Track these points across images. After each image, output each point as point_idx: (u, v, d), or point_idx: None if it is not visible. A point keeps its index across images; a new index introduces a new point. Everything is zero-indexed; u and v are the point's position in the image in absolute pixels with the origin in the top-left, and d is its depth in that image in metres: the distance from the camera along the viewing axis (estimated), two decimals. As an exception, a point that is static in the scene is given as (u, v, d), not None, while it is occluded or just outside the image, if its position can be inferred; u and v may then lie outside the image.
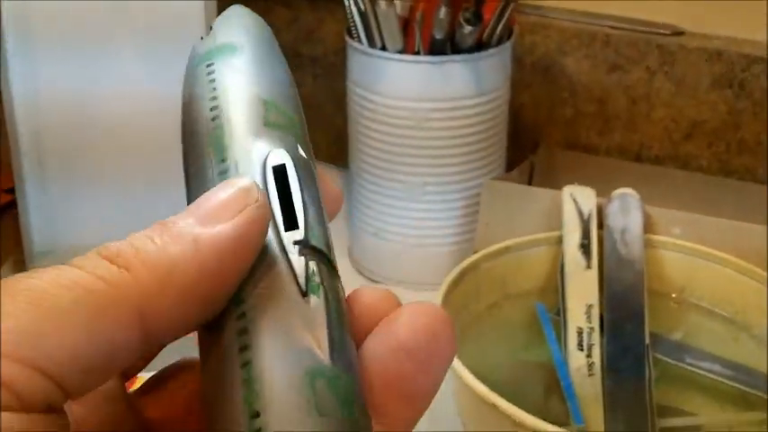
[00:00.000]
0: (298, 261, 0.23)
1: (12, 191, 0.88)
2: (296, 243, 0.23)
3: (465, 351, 0.63)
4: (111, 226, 0.78)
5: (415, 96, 0.84)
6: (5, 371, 0.18)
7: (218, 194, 0.22)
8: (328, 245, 0.24)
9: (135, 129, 0.79)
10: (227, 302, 0.22)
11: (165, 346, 0.23)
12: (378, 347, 0.23)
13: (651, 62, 0.97)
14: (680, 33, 0.97)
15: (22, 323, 0.19)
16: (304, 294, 0.22)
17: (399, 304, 0.25)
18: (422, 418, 0.24)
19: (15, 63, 0.79)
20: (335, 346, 0.22)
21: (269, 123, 0.25)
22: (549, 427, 0.55)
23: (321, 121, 1.09)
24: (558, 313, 0.74)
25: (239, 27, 0.29)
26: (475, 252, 0.77)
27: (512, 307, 0.77)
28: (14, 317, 0.19)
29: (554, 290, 0.76)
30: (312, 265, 0.23)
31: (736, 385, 0.70)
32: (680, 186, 0.97)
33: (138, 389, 0.27)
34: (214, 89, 0.26)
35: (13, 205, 0.88)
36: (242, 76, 0.27)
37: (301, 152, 0.25)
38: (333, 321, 0.22)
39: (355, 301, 0.24)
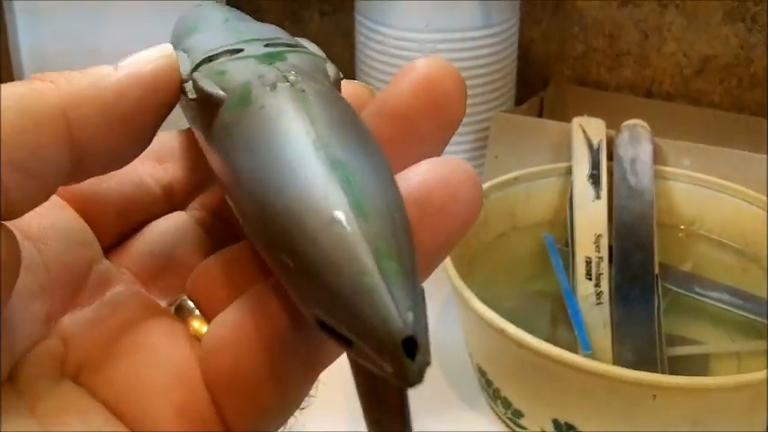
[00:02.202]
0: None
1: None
2: None
3: (473, 281, 0.63)
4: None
5: (423, 28, 0.83)
6: None
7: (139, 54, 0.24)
8: None
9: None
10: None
11: (98, 174, 0.24)
12: None
13: (663, -5, 0.96)
14: (692, -34, 0.95)
15: None
16: None
17: (373, 95, 0.25)
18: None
19: (23, 23, 0.78)
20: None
21: None
22: (555, 349, 0.54)
23: (330, 56, 1.07)
24: (567, 244, 0.74)
25: None
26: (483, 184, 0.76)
27: (520, 238, 0.77)
28: None
29: (563, 221, 0.76)
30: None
31: (745, 314, 0.69)
32: (691, 122, 0.96)
33: None
34: None
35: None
36: None
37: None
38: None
39: None
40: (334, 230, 0.19)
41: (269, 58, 0.24)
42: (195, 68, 0.24)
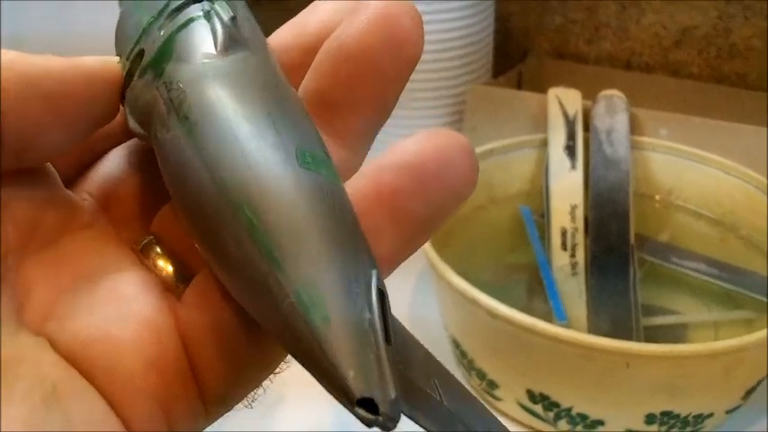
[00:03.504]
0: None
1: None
2: None
3: (450, 254, 0.62)
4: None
5: (399, -1, 0.82)
6: None
7: None
8: None
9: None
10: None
11: (24, 161, 0.22)
12: (380, 159, 0.22)
13: (641, -34, 0.95)
14: (670, -65, 0.95)
15: None
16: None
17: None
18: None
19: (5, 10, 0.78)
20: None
21: None
22: (527, 318, 0.54)
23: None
24: (543, 216, 0.73)
25: None
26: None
27: (497, 210, 0.76)
28: None
29: (539, 193, 0.75)
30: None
31: (723, 284, 0.69)
32: (670, 94, 0.95)
33: None
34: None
35: None
36: None
37: None
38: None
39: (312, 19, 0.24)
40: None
41: (159, 64, 0.23)
42: (125, 86, 0.24)
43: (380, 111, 0.23)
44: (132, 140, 0.26)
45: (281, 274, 0.19)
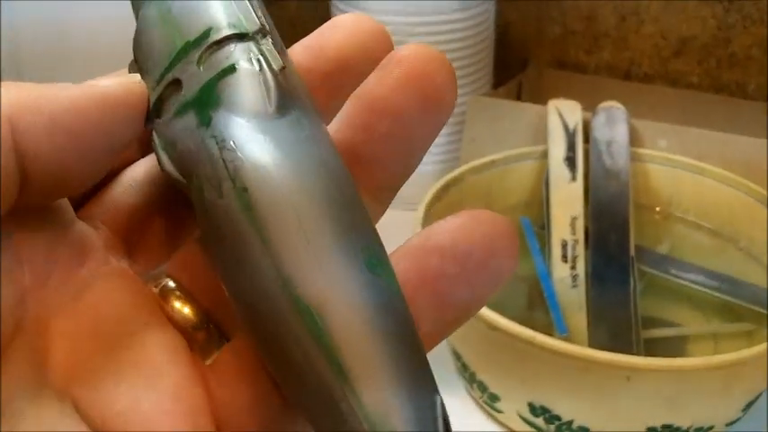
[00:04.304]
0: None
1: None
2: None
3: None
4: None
5: (400, 10, 0.83)
6: None
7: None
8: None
9: (111, 45, 0.78)
10: None
11: (47, 197, 0.22)
12: (424, 240, 0.21)
13: (640, -24, 0.96)
14: (669, -54, 0.95)
15: None
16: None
17: (390, 45, 0.24)
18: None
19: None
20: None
21: None
22: (527, 331, 0.54)
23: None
24: (543, 227, 0.73)
25: None
26: (460, 167, 0.76)
27: (497, 222, 0.76)
28: None
29: (539, 204, 0.75)
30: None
31: (722, 296, 0.69)
32: (670, 103, 0.96)
33: None
34: None
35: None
36: None
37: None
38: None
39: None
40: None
41: (204, 109, 0.22)
42: (152, 113, 0.23)
43: (410, 166, 0.23)
44: (148, 162, 0.25)
45: (351, 393, 0.18)
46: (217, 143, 0.21)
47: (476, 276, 0.21)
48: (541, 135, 0.79)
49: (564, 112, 0.78)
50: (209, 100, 0.22)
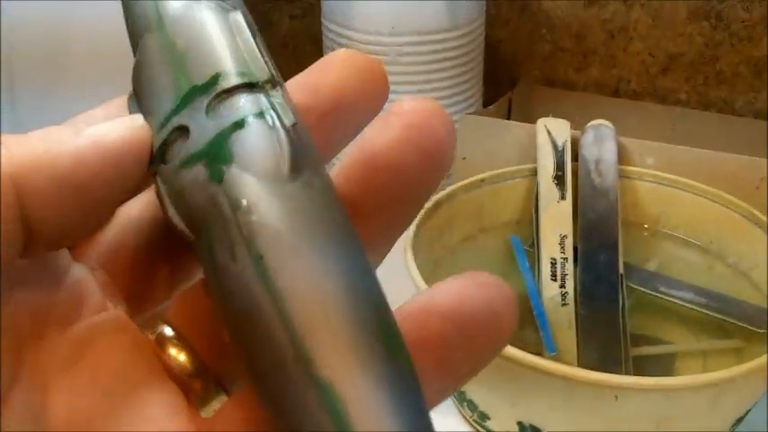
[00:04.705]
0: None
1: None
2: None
3: (439, 281, 0.63)
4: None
5: (389, 31, 0.83)
6: None
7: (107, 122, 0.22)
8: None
9: (110, 45, 0.78)
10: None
11: (51, 249, 0.22)
12: (427, 303, 0.21)
13: (628, -6, 0.97)
14: (656, -35, 0.96)
15: None
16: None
17: (385, 81, 0.24)
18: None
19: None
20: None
21: None
22: (517, 351, 0.55)
23: (299, 60, 1.08)
24: (533, 245, 0.74)
25: None
26: (451, 186, 0.76)
27: (487, 239, 0.77)
28: None
29: (529, 222, 0.76)
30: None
31: (711, 313, 0.70)
32: (658, 120, 0.96)
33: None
34: None
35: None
36: None
37: None
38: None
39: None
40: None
41: (215, 164, 0.21)
42: (156, 157, 0.22)
43: (409, 218, 0.23)
44: (143, 200, 0.25)
45: None
46: (230, 203, 0.20)
47: (477, 342, 0.21)
48: (531, 153, 0.80)
49: (553, 131, 0.78)
50: (219, 154, 0.21)
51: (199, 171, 0.21)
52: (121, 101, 0.25)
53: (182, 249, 0.24)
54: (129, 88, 0.24)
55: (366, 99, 0.24)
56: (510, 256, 0.75)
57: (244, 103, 0.22)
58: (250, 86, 0.22)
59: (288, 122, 0.22)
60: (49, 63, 0.81)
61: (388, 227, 0.23)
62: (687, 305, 0.71)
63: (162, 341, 0.23)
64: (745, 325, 0.68)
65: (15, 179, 0.20)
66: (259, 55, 0.23)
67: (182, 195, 0.21)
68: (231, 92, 0.22)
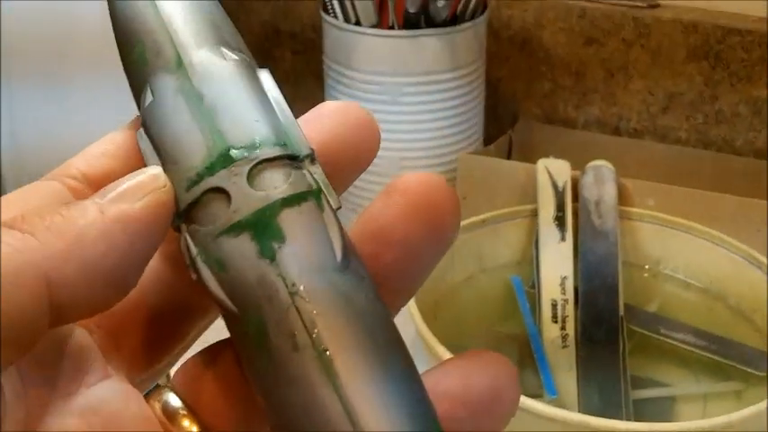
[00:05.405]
0: None
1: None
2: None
3: (440, 322, 0.63)
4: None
5: (390, 71, 0.84)
6: None
7: (128, 180, 0.22)
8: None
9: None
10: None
11: (75, 321, 0.22)
12: (434, 385, 0.21)
13: (627, 34, 0.97)
14: (655, 6, 0.96)
15: None
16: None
17: (377, 137, 0.24)
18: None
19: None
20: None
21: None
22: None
23: (300, 95, 1.08)
24: (533, 286, 0.74)
25: None
26: (451, 226, 0.76)
27: (488, 279, 0.77)
28: None
29: (529, 262, 0.76)
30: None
31: (711, 356, 0.70)
32: (658, 159, 0.97)
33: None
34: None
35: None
36: None
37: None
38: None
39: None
40: None
41: (265, 240, 0.21)
42: (182, 212, 0.22)
43: (416, 287, 0.23)
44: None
45: None
46: (287, 287, 0.20)
47: (483, 421, 0.22)
48: (531, 193, 0.80)
49: (553, 172, 0.79)
50: (269, 230, 0.21)
51: (245, 243, 0.21)
52: (120, 137, 0.24)
53: (182, 308, 0.24)
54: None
55: (356, 154, 0.24)
56: (510, 296, 0.75)
57: (291, 179, 0.21)
58: (291, 158, 0.22)
59: (335, 205, 0.21)
60: (48, 58, 0.81)
61: (396, 297, 0.23)
62: (687, 347, 0.71)
63: (170, 412, 0.23)
64: (745, 368, 0.68)
65: (46, 272, 0.19)
66: (297, 124, 0.23)
67: (224, 265, 0.21)
68: (272, 162, 0.22)
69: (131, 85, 0.25)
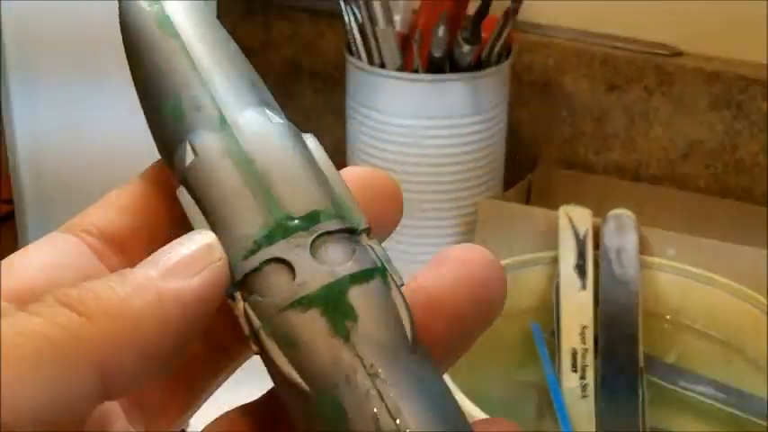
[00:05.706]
0: None
1: (11, 201, 0.87)
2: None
3: (458, 368, 0.63)
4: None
5: (413, 114, 0.84)
6: None
7: (181, 249, 0.21)
8: None
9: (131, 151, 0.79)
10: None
11: (123, 397, 0.22)
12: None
13: (649, 82, 0.97)
14: (678, 54, 0.97)
15: None
16: None
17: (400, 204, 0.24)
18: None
19: (16, 89, 0.79)
20: None
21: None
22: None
23: (321, 132, 1.08)
24: (553, 333, 0.74)
25: None
26: (470, 271, 0.76)
27: (507, 326, 0.77)
28: None
29: (549, 309, 0.76)
30: None
31: (730, 409, 0.70)
32: (677, 206, 0.97)
33: None
34: None
35: (12, 216, 0.88)
36: None
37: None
38: None
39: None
40: None
41: (338, 317, 0.20)
42: (238, 284, 0.21)
43: (458, 357, 0.24)
44: None
45: None
46: (366, 370, 0.19)
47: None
48: (551, 239, 0.80)
49: (575, 219, 0.79)
50: (341, 307, 0.20)
51: (314, 319, 0.20)
52: (138, 191, 0.24)
53: (203, 364, 0.24)
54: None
55: (378, 224, 0.23)
56: (529, 342, 0.75)
57: (356, 254, 0.21)
58: (351, 232, 0.22)
59: (399, 282, 0.21)
60: (67, 59, 0.81)
61: (439, 365, 0.23)
62: (706, 400, 0.70)
63: None
64: (762, 422, 0.68)
65: (101, 360, 0.19)
66: (352, 195, 0.22)
67: (292, 342, 0.20)
68: (333, 234, 0.21)
69: (158, 137, 0.24)
